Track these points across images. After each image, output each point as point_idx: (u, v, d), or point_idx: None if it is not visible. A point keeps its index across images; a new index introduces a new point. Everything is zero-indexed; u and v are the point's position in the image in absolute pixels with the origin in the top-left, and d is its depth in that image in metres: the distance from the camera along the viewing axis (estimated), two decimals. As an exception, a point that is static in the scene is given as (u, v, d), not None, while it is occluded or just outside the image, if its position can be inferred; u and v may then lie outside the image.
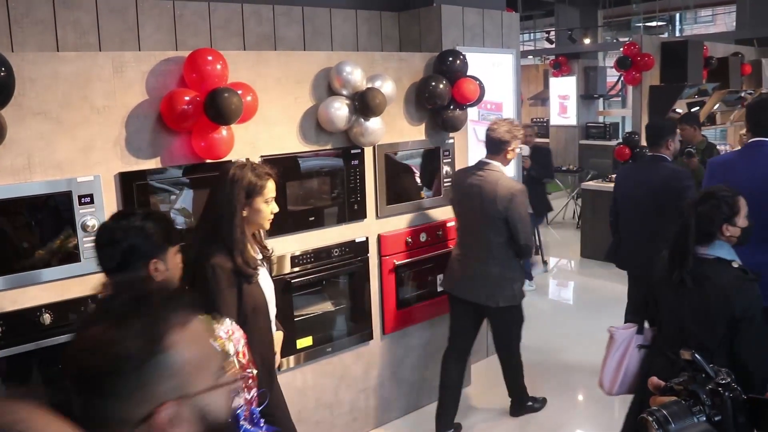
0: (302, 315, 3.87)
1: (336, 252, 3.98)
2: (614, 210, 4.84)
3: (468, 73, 4.32)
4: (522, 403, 4.54)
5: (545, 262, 8.21)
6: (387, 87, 3.88)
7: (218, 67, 3.14)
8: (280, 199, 3.66)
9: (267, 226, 2.90)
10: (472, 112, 4.82)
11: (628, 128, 9.30)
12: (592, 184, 8.63)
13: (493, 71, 5.11)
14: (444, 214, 4.52)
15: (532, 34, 18.98)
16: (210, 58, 3.13)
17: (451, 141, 4.52)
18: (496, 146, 4.00)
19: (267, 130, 3.59)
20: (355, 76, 3.72)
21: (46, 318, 2.93)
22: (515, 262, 4.07)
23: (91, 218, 3.00)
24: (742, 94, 8.84)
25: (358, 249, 4.09)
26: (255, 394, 2.07)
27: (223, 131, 3.22)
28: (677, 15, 17.90)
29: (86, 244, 3.01)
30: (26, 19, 3.45)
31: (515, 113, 5.41)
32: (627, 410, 3.33)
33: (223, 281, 2.67)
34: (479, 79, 4.35)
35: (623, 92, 14.56)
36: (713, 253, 2.84)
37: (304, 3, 4.49)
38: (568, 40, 12.59)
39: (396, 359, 4.44)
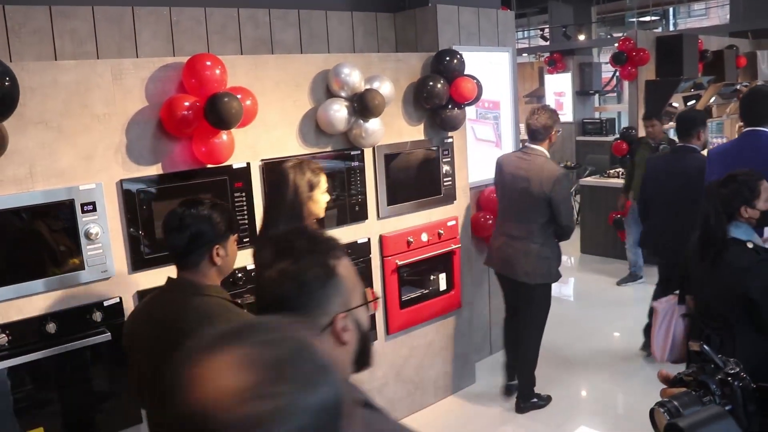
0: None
1: (338, 254, 3.98)
2: (643, 198, 5.10)
3: (465, 72, 4.33)
4: (528, 396, 4.55)
5: None
6: (385, 88, 3.89)
7: (217, 72, 3.15)
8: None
9: (323, 214, 3.10)
10: (470, 111, 4.83)
11: (625, 123, 9.31)
12: (590, 180, 8.63)
13: (490, 69, 5.12)
14: (445, 213, 4.53)
15: (526, 32, 18.99)
16: (209, 63, 3.14)
17: (450, 140, 4.53)
18: (540, 133, 4.29)
19: (267, 134, 3.60)
20: (354, 77, 3.73)
21: (52, 327, 2.93)
22: (554, 242, 4.33)
23: (94, 226, 3.00)
24: (738, 87, 8.84)
25: (361, 250, 4.09)
26: None
27: (224, 136, 3.23)
28: (671, 9, 17.92)
29: (89, 252, 3.01)
30: (23, 29, 3.45)
31: (513, 111, 5.42)
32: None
33: None
34: (476, 78, 4.37)
35: (619, 88, 14.59)
36: (731, 233, 2.97)
37: (300, 6, 4.50)
38: (562, 37, 12.61)
39: (400, 359, 4.45)
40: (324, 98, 3.79)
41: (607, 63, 9.62)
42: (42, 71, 2.87)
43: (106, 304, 3.10)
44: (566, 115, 12.41)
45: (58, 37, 3.56)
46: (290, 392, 0.77)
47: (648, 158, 5.60)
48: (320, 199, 3.00)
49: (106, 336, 3.06)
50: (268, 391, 0.76)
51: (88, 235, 2.99)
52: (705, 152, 5.18)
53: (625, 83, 8.26)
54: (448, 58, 4.27)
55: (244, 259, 3.28)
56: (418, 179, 4.41)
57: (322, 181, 2.97)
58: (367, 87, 3.81)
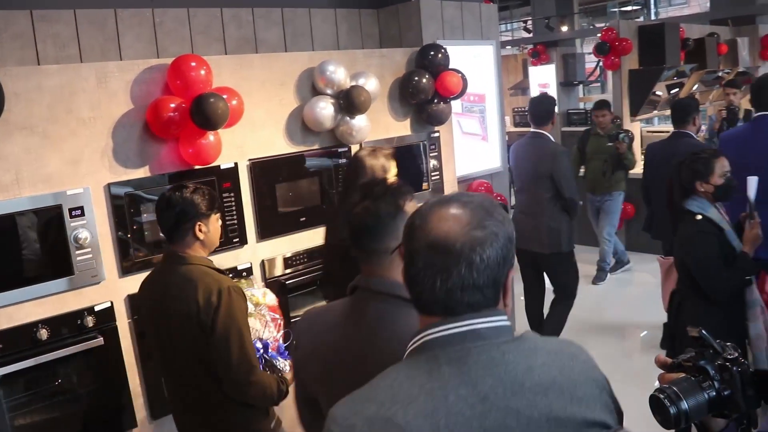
0: (298, 316, 3.88)
1: (329, 251, 3.99)
2: (644, 184, 5.36)
3: (450, 66, 4.34)
4: None
5: None
6: (371, 84, 3.89)
7: (202, 72, 3.14)
8: (269, 201, 3.68)
9: None
10: (455, 105, 4.84)
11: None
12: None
13: (475, 63, 5.13)
14: (433, 207, 4.53)
15: (509, 25, 19.04)
16: (193, 64, 3.13)
17: (436, 134, 4.54)
18: (543, 118, 4.90)
19: (254, 134, 3.59)
20: (339, 74, 3.73)
21: (43, 333, 2.92)
22: (562, 215, 4.77)
23: (82, 231, 2.99)
24: (720, 74, 8.90)
25: (351, 247, 4.09)
26: (282, 333, 2.70)
27: (211, 136, 3.23)
28: (651, -2, 18.01)
29: (79, 257, 3.00)
30: (4, 34, 3.42)
31: (498, 104, 5.44)
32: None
33: None
34: (461, 72, 4.38)
35: (602, 78, 14.65)
36: (686, 205, 3.29)
37: (283, 4, 4.49)
38: (545, 29, 12.63)
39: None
40: (310, 96, 3.79)
41: (590, 53, 9.65)
42: (26, 76, 2.85)
43: (97, 308, 3.09)
44: (551, 106, 12.42)
45: (41, 42, 3.54)
46: (494, 224, 1.19)
47: (648, 145, 5.70)
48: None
49: (99, 341, 3.06)
50: (482, 223, 1.18)
51: (76, 240, 2.98)
52: (700, 137, 5.44)
53: (609, 73, 8.29)
54: (432, 53, 4.28)
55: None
56: (406, 174, 4.40)
57: (393, 166, 3.24)
58: (353, 84, 3.81)
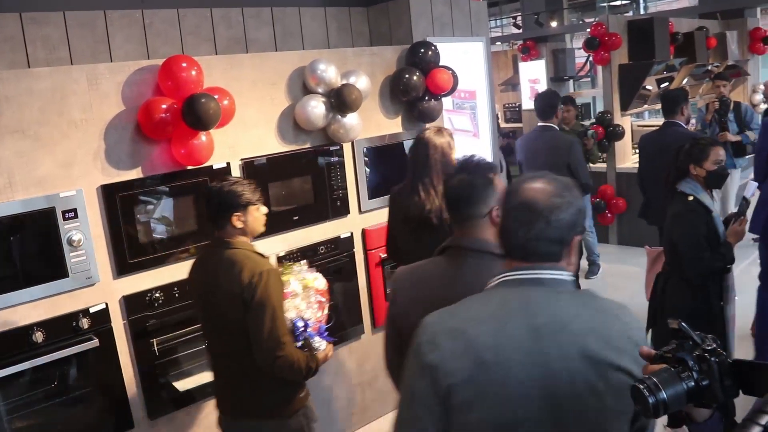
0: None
1: (322, 249, 4.00)
2: (639, 174, 5.60)
3: (440, 64, 4.36)
4: None
5: None
6: (361, 82, 3.90)
7: (193, 73, 3.15)
8: (262, 200, 3.68)
9: None
10: (446, 102, 4.85)
11: (600, 108, 9.38)
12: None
13: (465, 60, 5.14)
14: (426, 204, 4.55)
15: (499, 21, 19.04)
16: (184, 64, 3.14)
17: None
18: (550, 111, 5.35)
19: (246, 133, 3.60)
20: (330, 73, 3.74)
21: (39, 336, 2.92)
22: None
23: (76, 233, 2.99)
24: (709, 68, 8.93)
25: (344, 245, 4.11)
26: (325, 315, 2.89)
27: (203, 137, 3.23)
28: (640, -8, 18.02)
29: (73, 259, 3.01)
30: (-6, 37, 3.42)
31: (489, 100, 5.45)
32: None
33: None
34: (452, 69, 4.39)
35: (592, 72, 14.67)
36: (679, 187, 3.53)
37: (273, 4, 4.49)
38: (535, 25, 12.64)
39: (388, 351, 4.47)
40: (301, 95, 3.80)
41: (580, 48, 9.66)
42: (17, 80, 2.85)
43: (92, 310, 3.10)
44: (542, 101, 12.44)
45: (30, 44, 3.54)
46: (570, 197, 1.56)
47: (641, 137, 5.88)
48: (455, 158, 3.53)
49: (94, 342, 3.06)
50: (561, 194, 1.55)
51: (70, 242, 2.98)
52: (690, 127, 5.77)
53: (599, 68, 8.29)
54: (422, 50, 4.29)
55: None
56: (398, 171, 4.42)
57: (455, 143, 3.55)
58: (344, 82, 3.82)
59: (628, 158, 7.99)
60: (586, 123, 8.48)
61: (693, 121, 7.53)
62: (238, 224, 2.71)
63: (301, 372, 2.73)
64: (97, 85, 3.07)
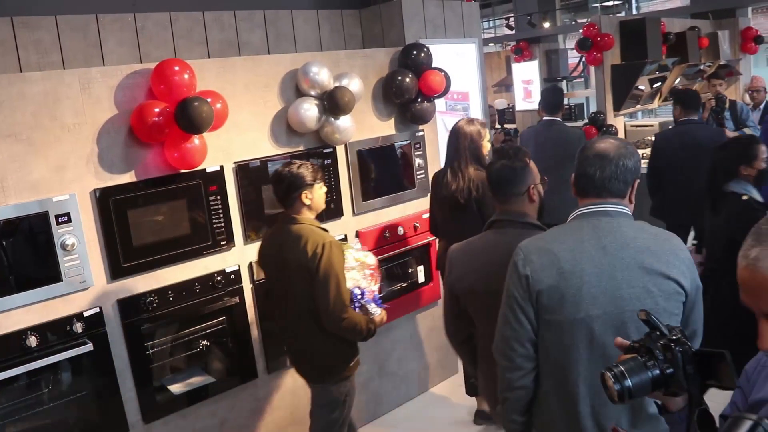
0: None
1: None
2: (655, 172, 5.53)
3: (433, 65, 4.37)
4: None
5: None
6: (354, 84, 3.91)
7: (186, 76, 3.15)
8: (256, 203, 3.69)
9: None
10: (439, 104, 4.86)
11: (593, 108, 9.41)
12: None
13: (458, 61, 5.16)
14: (419, 206, 4.56)
15: (491, 22, 19.08)
16: (177, 68, 3.14)
17: (421, 133, 4.56)
18: (556, 107, 5.67)
19: (239, 136, 3.60)
20: (322, 76, 3.74)
21: (32, 340, 2.92)
22: None
23: (69, 237, 2.99)
24: (701, 67, 8.96)
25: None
26: (379, 286, 3.34)
27: (196, 140, 3.23)
28: (632, -7, 18.07)
29: (67, 263, 3.00)
30: (-14, 41, 3.42)
31: (482, 101, 5.47)
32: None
33: None
34: (444, 71, 4.40)
35: (585, 73, 14.71)
36: (730, 188, 3.61)
37: (265, 6, 4.50)
38: (527, 25, 12.67)
39: (383, 353, 4.48)
40: (294, 98, 3.80)
41: (572, 49, 9.68)
42: (9, 84, 2.85)
43: (86, 314, 3.09)
44: (534, 102, 12.48)
45: (22, 48, 3.54)
46: (633, 150, 2.05)
47: (658, 133, 5.96)
48: (487, 144, 3.96)
49: (88, 346, 3.06)
50: (627, 147, 2.05)
51: (64, 247, 2.98)
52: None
53: (592, 68, 8.30)
54: (415, 52, 4.30)
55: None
56: (391, 173, 4.44)
57: (487, 132, 3.97)
58: (336, 84, 3.82)
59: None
60: (579, 123, 8.49)
61: None
62: (306, 201, 3.10)
63: (363, 332, 3.11)
64: (90, 89, 3.06)
